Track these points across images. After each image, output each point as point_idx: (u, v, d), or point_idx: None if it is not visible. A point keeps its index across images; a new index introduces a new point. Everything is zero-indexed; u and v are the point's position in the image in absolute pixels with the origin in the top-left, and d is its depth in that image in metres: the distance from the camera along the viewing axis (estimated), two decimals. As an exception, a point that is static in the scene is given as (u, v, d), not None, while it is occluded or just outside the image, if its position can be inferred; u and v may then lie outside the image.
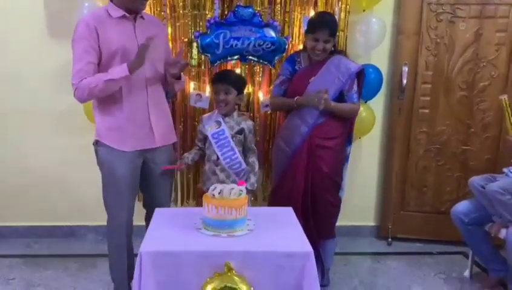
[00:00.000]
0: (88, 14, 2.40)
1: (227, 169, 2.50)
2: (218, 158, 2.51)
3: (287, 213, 2.12)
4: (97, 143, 2.37)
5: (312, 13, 2.93)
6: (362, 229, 3.53)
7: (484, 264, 2.93)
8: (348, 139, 2.80)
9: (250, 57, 2.99)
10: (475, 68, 3.19)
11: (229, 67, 3.01)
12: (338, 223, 2.77)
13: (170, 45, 2.88)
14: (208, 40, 2.91)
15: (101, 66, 2.23)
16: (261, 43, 2.92)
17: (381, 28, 3.05)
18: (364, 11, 3.06)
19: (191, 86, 3.04)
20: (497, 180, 2.65)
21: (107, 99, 2.27)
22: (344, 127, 2.66)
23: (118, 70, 2.18)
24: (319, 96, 2.44)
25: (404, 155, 3.37)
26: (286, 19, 3.01)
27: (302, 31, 2.91)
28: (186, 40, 2.99)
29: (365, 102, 3.17)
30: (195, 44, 2.96)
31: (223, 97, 2.52)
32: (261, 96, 3.08)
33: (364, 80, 2.69)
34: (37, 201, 3.34)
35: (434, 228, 3.38)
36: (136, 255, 1.78)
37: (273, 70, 3.03)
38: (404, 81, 3.18)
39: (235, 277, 1.70)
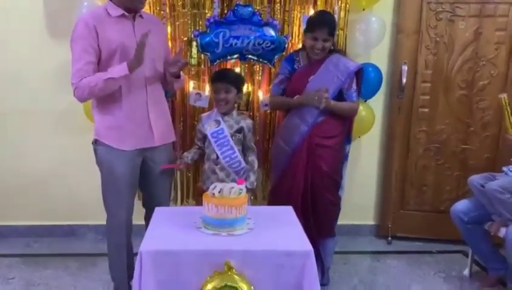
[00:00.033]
0: (87, 13, 2.40)
1: (226, 168, 2.50)
2: (217, 157, 2.51)
3: (287, 212, 2.12)
4: (96, 142, 2.37)
5: (312, 12, 2.93)
6: (362, 228, 3.54)
7: (484, 263, 2.94)
8: (348, 138, 2.80)
9: (249, 56, 2.99)
10: (474, 67, 3.19)
11: (228, 66, 3.01)
12: (337, 222, 2.78)
13: (170, 44, 2.88)
14: (208, 39, 2.91)
15: (100, 65, 2.23)
16: (261, 42, 2.92)
17: (381, 27, 3.05)
18: (363, 10, 3.06)
19: (191, 85, 3.04)
20: (496, 179, 2.65)
21: (106, 99, 2.27)
22: (343, 125, 2.66)
23: (118, 69, 2.18)
24: (319, 95, 2.44)
25: (404, 154, 3.37)
26: (286, 18, 3.01)
27: (302, 30, 2.91)
28: (186, 39, 2.99)
29: (365, 101, 3.17)
30: (194, 43, 2.96)
31: (223, 96, 2.52)
32: (261, 95, 3.08)
33: (363, 79, 2.69)
34: (37, 200, 3.34)
35: (434, 226, 3.38)
36: (136, 254, 1.78)
37: (272, 70, 3.03)
38: (404, 80, 3.18)
39: (235, 276, 1.70)
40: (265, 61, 3.02)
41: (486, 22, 3.12)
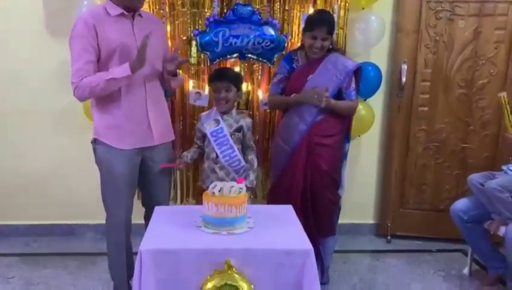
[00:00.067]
0: (86, 12, 2.39)
1: (226, 167, 2.50)
2: (217, 156, 2.51)
3: (287, 211, 2.12)
4: (95, 141, 2.36)
5: (312, 11, 2.93)
6: (362, 227, 3.54)
7: (483, 261, 2.94)
8: (347, 137, 2.81)
9: (249, 55, 2.99)
10: (474, 66, 3.19)
11: (228, 66, 3.01)
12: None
13: (170, 43, 2.88)
14: (207, 38, 2.91)
15: (100, 64, 2.23)
16: (260, 41, 2.92)
17: (380, 26, 3.05)
18: (363, 9, 3.06)
19: (190, 85, 3.04)
20: (496, 177, 2.66)
21: (105, 98, 2.26)
22: (342, 124, 2.66)
23: (120, 70, 2.18)
24: (319, 94, 2.45)
25: (403, 153, 3.37)
26: (285, 17, 3.01)
27: (302, 29, 2.91)
28: (185, 38, 2.99)
29: (365, 100, 3.17)
30: (194, 42, 2.95)
31: (224, 95, 2.52)
32: (261, 94, 3.08)
33: (361, 78, 2.70)
34: (36, 200, 3.33)
35: (433, 225, 3.39)
36: (135, 253, 1.77)
37: (272, 69, 3.03)
38: (403, 79, 3.19)
39: (235, 275, 1.70)
40: (265, 61, 3.02)
41: (485, 21, 3.12)
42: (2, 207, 3.33)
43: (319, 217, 2.62)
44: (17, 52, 3.11)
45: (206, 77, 3.02)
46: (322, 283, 2.30)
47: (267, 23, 2.93)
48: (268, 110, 3.10)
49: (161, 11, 2.92)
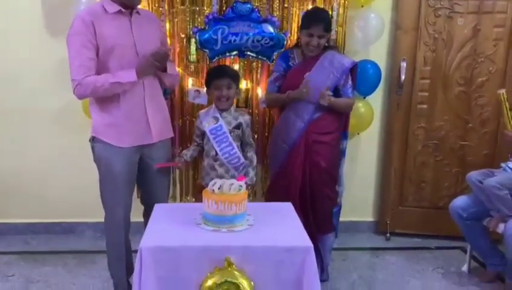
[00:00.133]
0: (83, 9, 2.38)
1: (225, 164, 2.50)
2: (216, 153, 2.51)
3: (287, 208, 2.12)
4: (93, 139, 2.35)
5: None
6: (361, 224, 3.54)
7: (482, 258, 2.95)
8: (344, 134, 2.82)
9: (248, 53, 2.99)
10: (473, 63, 3.20)
11: (227, 63, 3.01)
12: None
13: (169, 41, 2.87)
14: (206, 35, 2.90)
15: (98, 61, 2.21)
16: (260, 39, 2.92)
17: (379, 24, 3.05)
18: (362, 6, 3.05)
19: (189, 82, 3.04)
20: (494, 175, 2.67)
21: (104, 96, 2.26)
22: (338, 121, 2.68)
23: (127, 75, 2.18)
24: (323, 93, 2.46)
25: (402, 151, 3.38)
26: (285, 15, 3.01)
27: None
28: (184, 36, 2.98)
29: (364, 98, 3.18)
30: (193, 40, 2.95)
31: (225, 92, 2.51)
32: (260, 92, 3.08)
33: (357, 75, 2.71)
34: (35, 198, 3.33)
35: (432, 223, 3.39)
36: (134, 251, 1.77)
37: (271, 66, 3.02)
38: (402, 77, 3.19)
39: (235, 272, 1.70)
40: (264, 58, 3.01)
41: (484, 19, 3.12)
42: (1, 205, 3.33)
43: (318, 214, 2.62)
44: (15, 51, 3.10)
45: (205, 74, 3.01)
46: (321, 280, 2.30)
47: (266, 20, 2.93)
48: (267, 108, 3.10)
49: (160, 9, 2.92)
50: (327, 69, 2.57)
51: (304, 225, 1.97)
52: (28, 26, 3.07)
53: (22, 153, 3.26)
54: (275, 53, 2.98)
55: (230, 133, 2.52)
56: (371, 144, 3.43)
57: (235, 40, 2.91)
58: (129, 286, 2.45)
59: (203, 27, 2.93)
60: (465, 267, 2.99)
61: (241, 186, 1.89)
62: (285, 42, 2.96)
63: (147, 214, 2.36)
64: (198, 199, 2.60)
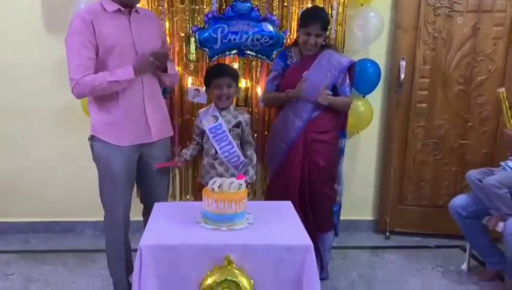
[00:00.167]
0: (82, 8, 2.37)
1: (225, 163, 2.50)
2: (216, 152, 2.51)
3: (287, 207, 2.12)
4: (92, 138, 2.35)
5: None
6: (360, 223, 3.55)
7: (481, 257, 2.95)
8: (342, 133, 2.82)
9: (248, 52, 2.99)
10: (472, 62, 3.20)
11: (227, 62, 3.01)
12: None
13: (169, 40, 2.87)
14: (206, 34, 2.90)
15: (97, 60, 2.21)
16: (259, 38, 2.92)
17: (379, 23, 3.05)
18: (361, 5, 3.06)
19: (189, 81, 3.04)
20: (494, 173, 2.67)
21: (103, 95, 2.25)
22: (336, 120, 2.68)
23: (124, 73, 2.18)
24: (321, 93, 2.47)
25: (402, 149, 3.38)
26: (284, 13, 3.01)
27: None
28: (184, 34, 2.98)
29: (363, 97, 3.18)
30: (193, 39, 2.95)
31: (226, 91, 2.51)
32: (259, 91, 3.08)
33: (355, 74, 2.72)
34: (35, 197, 3.33)
35: (432, 221, 3.39)
36: (133, 250, 1.77)
37: (271, 65, 3.02)
38: (402, 76, 3.19)
39: (235, 270, 1.70)
40: (264, 57, 3.01)
41: (484, 17, 3.12)
42: (1, 204, 3.33)
43: (317, 212, 2.63)
44: (15, 50, 3.10)
45: (204, 73, 3.01)
46: (321, 279, 2.30)
47: (265, 19, 2.93)
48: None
49: (160, 8, 2.92)
50: (325, 68, 2.57)
51: (303, 223, 1.98)
52: (28, 25, 3.07)
53: (22, 152, 3.26)
54: (274, 52, 2.98)
55: (229, 131, 2.51)
56: (370, 143, 3.44)
57: (234, 39, 2.91)
58: (129, 285, 2.45)
59: (202, 26, 2.93)
60: (464, 266, 2.99)
61: (240, 184, 1.90)
62: (284, 41, 2.96)
63: (146, 213, 2.36)
64: (198, 198, 2.60)
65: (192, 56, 3.00)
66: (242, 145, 2.58)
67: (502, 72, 3.19)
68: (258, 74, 3.08)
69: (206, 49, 2.95)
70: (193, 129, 2.70)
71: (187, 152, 2.60)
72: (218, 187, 1.87)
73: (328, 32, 2.67)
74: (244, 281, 1.71)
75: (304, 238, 1.79)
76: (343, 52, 3.01)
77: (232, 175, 2.43)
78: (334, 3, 2.98)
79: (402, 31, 3.19)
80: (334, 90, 2.61)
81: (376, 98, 3.29)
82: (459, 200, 2.81)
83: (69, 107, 3.03)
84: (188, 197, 3.25)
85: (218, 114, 2.53)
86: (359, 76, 3.02)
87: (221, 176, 2.38)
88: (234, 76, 2.58)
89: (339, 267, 2.96)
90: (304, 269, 1.72)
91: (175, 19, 2.96)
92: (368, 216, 3.57)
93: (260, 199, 3.11)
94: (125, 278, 2.50)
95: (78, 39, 2.17)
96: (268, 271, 1.73)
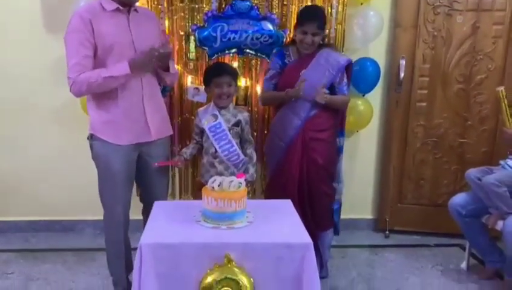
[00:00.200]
0: (81, 7, 2.36)
1: (225, 161, 2.50)
2: (216, 151, 2.51)
3: (286, 205, 2.12)
4: (91, 137, 2.35)
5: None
6: (360, 222, 3.55)
7: (481, 256, 2.95)
8: (341, 131, 2.82)
9: (247, 51, 2.99)
10: (472, 61, 3.20)
11: (226, 61, 3.01)
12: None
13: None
14: (205, 33, 2.90)
15: (96, 60, 2.21)
16: (259, 37, 2.92)
17: (379, 21, 3.05)
18: (361, 4, 3.06)
19: (189, 80, 3.04)
20: (493, 172, 2.67)
21: (102, 94, 2.25)
22: (334, 118, 2.69)
23: (119, 68, 2.17)
24: (319, 91, 2.47)
25: (401, 148, 3.38)
26: (284, 12, 3.01)
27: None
28: (183, 33, 2.98)
29: (363, 95, 3.18)
30: (192, 37, 2.95)
31: (226, 89, 2.51)
32: (259, 89, 3.07)
33: (352, 72, 2.73)
34: (35, 196, 3.33)
35: (431, 220, 3.40)
36: (133, 249, 1.77)
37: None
38: (401, 74, 3.18)
39: (235, 269, 1.71)
40: (264, 56, 3.01)
41: (483, 16, 3.12)
42: (1, 203, 3.33)
43: (316, 210, 2.64)
44: (15, 49, 3.10)
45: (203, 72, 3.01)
46: (321, 277, 2.29)
47: (265, 18, 2.93)
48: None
49: (160, 6, 2.92)
50: (323, 67, 2.58)
51: (302, 221, 1.98)
52: (27, 25, 3.07)
53: (22, 151, 3.26)
54: (274, 51, 2.97)
55: (229, 130, 2.52)
56: (370, 142, 3.44)
57: (234, 38, 2.91)
58: (129, 284, 2.45)
59: (202, 25, 2.93)
60: (463, 265, 2.99)
61: (240, 183, 1.90)
62: (284, 40, 2.96)
63: (146, 212, 2.36)
64: (197, 196, 2.60)
65: (192, 55, 3.00)
66: (242, 143, 2.58)
67: (502, 70, 3.19)
68: (257, 73, 3.07)
69: (205, 48, 2.95)
70: (193, 128, 2.71)
71: (187, 151, 2.60)
72: (218, 186, 1.87)
73: (328, 31, 2.67)
74: (243, 280, 1.71)
75: (303, 237, 1.79)
76: (343, 51, 3.02)
77: (232, 174, 2.43)
78: (334, 2, 2.98)
79: (402, 29, 3.19)
80: (332, 89, 2.61)
81: (375, 97, 3.29)
82: (459, 198, 2.81)
83: (69, 106, 3.03)
84: (188, 196, 3.25)
85: (217, 113, 2.53)
86: (359, 75, 3.03)
87: (221, 174, 2.37)
88: (234, 75, 2.58)
89: (338, 265, 2.97)
90: (304, 267, 1.73)
91: (175, 17, 2.96)
92: (368, 215, 3.58)
93: (260, 197, 3.11)
94: (125, 276, 2.50)
95: (76, 38, 2.17)
96: (268, 269, 1.73)
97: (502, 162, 2.73)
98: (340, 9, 3.00)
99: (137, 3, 2.33)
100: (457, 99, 3.27)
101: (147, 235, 1.79)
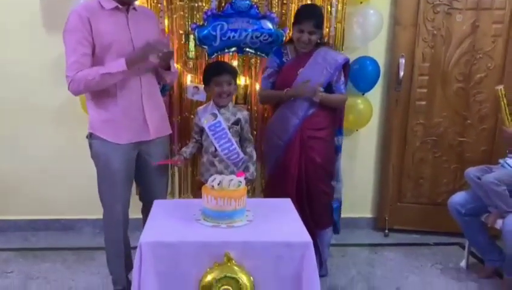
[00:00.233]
0: (79, 5, 2.36)
1: (225, 160, 2.50)
2: (215, 150, 2.51)
3: (286, 204, 2.12)
4: (90, 136, 2.35)
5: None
6: (359, 220, 3.55)
7: (480, 254, 2.96)
8: (339, 130, 2.82)
9: (247, 49, 2.98)
10: (471, 60, 3.20)
11: (226, 60, 3.00)
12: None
13: (168, 38, 2.86)
14: (205, 32, 2.90)
15: (95, 58, 2.21)
16: (258, 35, 2.92)
17: (378, 20, 3.05)
18: (361, 2, 3.05)
19: (188, 79, 3.04)
20: (493, 171, 2.67)
21: (101, 92, 2.25)
22: (332, 117, 2.70)
23: (116, 65, 2.16)
24: (314, 89, 2.47)
25: (401, 147, 3.38)
26: (283, 11, 3.01)
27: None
28: (183, 32, 2.98)
29: (363, 94, 3.18)
30: (192, 36, 2.95)
31: (227, 88, 2.51)
32: (258, 88, 3.07)
33: (350, 71, 2.73)
34: (34, 195, 3.33)
35: (431, 219, 3.40)
36: (133, 248, 1.77)
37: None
38: (401, 73, 3.19)
39: (235, 267, 1.71)
40: (263, 55, 3.01)
41: (483, 15, 3.12)
42: (1, 202, 3.33)
43: (315, 209, 2.64)
44: (14, 48, 3.10)
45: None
46: (320, 276, 2.30)
47: (265, 17, 2.93)
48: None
49: (159, 5, 2.91)
50: (321, 65, 2.58)
51: (302, 220, 1.98)
52: (27, 23, 3.06)
53: (22, 151, 3.26)
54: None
55: (229, 129, 2.51)
56: (369, 141, 3.44)
57: (233, 37, 2.91)
58: (128, 282, 2.45)
59: (201, 23, 2.92)
60: (463, 263, 2.99)
61: (240, 181, 1.90)
62: (284, 38, 2.95)
63: (146, 211, 2.36)
64: (197, 195, 2.60)
65: (191, 53, 3.00)
66: (242, 142, 2.58)
67: (501, 69, 3.19)
68: (257, 72, 3.07)
69: (205, 47, 2.94)
70: (193, 127, 2.70)
71: (187, 150, 2.60)
72: (218, 184, 1.87)
73: (327, 29, 2.66)
74: (243, 278, 1.71)
75: (303, 235, 1.79)
76: (342, 50, 3.02)
77: (232, 172, 2.43)
78: (334, 1, 2.98)
79: (401, 28, 3.19)
80: (330, 88, 2.62)
81: (375, 95, 3.29)
82: (458, 197, 2.81)
83: (69, 106, 3.03)
84: (188, 194, 3.25)
85: (217, 112, 2.53)
86: (358, 74, 3.03)
87: (220, 173, 2.38)
88: (233, 73, 2.58)
89: (338, 264, 2.97)
90: (304, 265, 1.72)
91: (174, 16, 2.96)
92: (367, 214, 3.58)
93: (260, 196, 3.11)
94: (124, 275, 2.50)
95: (74, 36, 2.16)
96: (267, 268, 1.73)
97: (501, 160, 2.74)
98: (340, 7, 3.00)
99: (136, 2, 2.33)
100: (456, 98, 3.27)
101: (147, 234, 1.79)
